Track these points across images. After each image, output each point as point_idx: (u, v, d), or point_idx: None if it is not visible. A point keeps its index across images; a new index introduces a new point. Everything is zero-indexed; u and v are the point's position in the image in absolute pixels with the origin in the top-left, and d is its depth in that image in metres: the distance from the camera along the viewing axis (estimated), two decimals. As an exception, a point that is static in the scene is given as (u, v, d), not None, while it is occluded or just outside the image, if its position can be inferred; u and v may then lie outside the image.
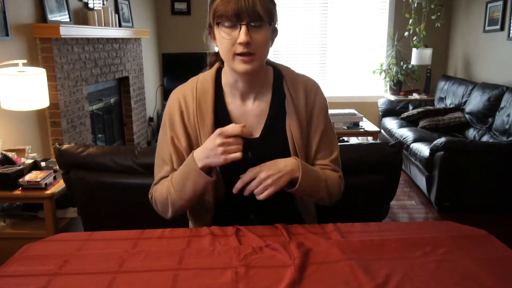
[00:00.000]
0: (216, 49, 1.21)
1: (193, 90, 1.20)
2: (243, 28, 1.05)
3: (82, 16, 3.27)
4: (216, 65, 1.24)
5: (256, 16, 1.05)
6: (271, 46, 1.14)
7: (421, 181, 3.48)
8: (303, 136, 1.21)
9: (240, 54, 1.08)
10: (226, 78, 1.21)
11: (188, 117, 1.19)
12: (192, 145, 1.20)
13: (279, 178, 1.09)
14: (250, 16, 1.05)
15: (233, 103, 1.21)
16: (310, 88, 1.24)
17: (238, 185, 1.11)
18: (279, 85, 1.23)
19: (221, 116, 1.20)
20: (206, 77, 1.23)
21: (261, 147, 1.18)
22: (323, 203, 1.26)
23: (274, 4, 1.12)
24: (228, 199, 1.21)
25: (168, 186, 1.17)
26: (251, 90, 1.20)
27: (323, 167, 1.25)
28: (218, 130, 1.06)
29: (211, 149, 1.05)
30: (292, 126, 1.20)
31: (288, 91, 1.21)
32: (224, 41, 1.08)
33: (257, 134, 1.20)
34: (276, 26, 1.15)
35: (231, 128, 1.04)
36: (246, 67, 1.09)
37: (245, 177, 1.10)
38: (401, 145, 1.72)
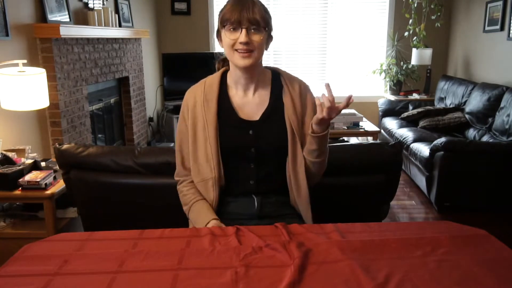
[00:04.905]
0: (220, 50, 1.30)
1: (202, 86, 1.46)
2: (244, 31, 1.30)
3: (82, 16, 3.27)
4: (223, 69, 1.49)
5: (254, 22, 1.30)
6: (266, 49, 1.40)
7: (421, 181, 3.48)
8: (299, 120, 1.43)
9: (239, 51, 1.32)
10: (231, 76, 1.45)
11: (195, 107, 1.43)
12: (196, 128, 1.41)
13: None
14: (249, 21, 1.30)
15: (236, 95, 1.45)
16: (304, 84, 1.49)
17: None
18: (277, 81, 1.47)
19: (225, 105, 1.43)
20: (214, 76, 1.49)
21: (260, 128, 1.42)
22: (317, 175, 1.44)
23: (270, 16, 1.38)
24: (227, 175, 1.41)
25: (186, 205, 1.44)
26: (252, 85, 1.44)
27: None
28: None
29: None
30: (289, 112, 1.42)
31: (285, 84, 1.46)
32: (228, 40, 1.33)
33: (257, 117, 1.43)
34: (271, 34, 1.40)
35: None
36: (245, 61, 1.33)
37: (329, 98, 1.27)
38: (401, 145, 1.72)
